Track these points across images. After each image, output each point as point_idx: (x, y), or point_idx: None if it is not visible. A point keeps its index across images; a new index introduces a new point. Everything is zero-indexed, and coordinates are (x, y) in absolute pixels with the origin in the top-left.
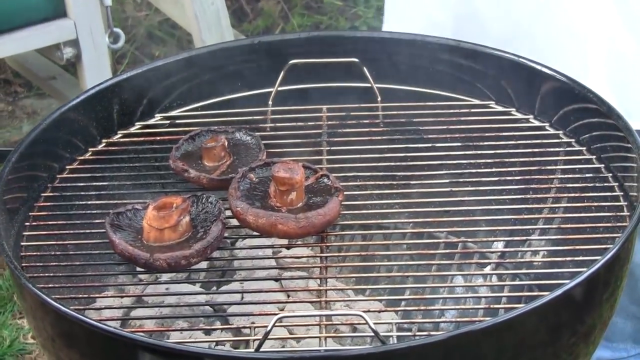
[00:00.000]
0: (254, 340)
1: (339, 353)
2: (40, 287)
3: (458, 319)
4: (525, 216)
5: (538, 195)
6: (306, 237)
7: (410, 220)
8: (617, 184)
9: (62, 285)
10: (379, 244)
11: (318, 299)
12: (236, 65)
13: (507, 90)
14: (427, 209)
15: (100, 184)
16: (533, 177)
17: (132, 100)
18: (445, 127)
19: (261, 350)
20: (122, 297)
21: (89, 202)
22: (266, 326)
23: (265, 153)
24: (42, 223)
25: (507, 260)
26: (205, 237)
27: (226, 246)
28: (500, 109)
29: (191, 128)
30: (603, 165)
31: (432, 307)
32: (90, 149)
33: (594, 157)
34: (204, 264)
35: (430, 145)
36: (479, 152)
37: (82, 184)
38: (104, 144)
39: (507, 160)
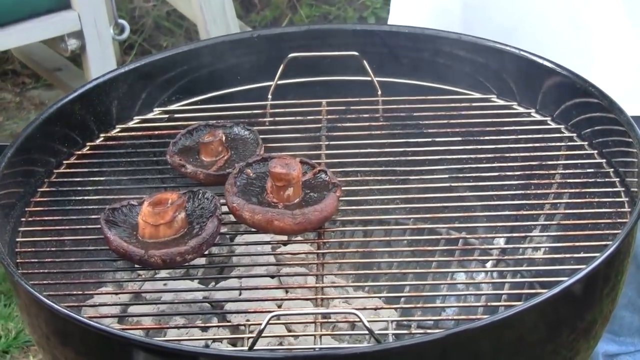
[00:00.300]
0: (249, 338)
1: (333, 352)
2: (35, 283)
3: (457, 317)
4: (526, 212)
5: (539, 191)
6: (303, 233)
7: (411, 216)
8: (618, 179)
9: (58, 281)
10: (378, 240)
11: (315, 297)
12: (236, 59)
13: (508, 84)
14: (427, 205)
15: (98, 179)
16: (534, 172)
17: (131, 94)
18: (446, 121)
19: (255, 348)
20: (119, 293)
21: (86, 198)
22: (261, 323)
23: (263, 148)
24: (38, 218)
25: (508, 257)
26: (200, 234)
27: (224, 242)
28: (501, 102)
29: (190, 122)
30: (605, 161)
31: (431, 305)
32: (88, 144)
33: (596, 152)
34: (201, 260)
35: (430, 139)
36: (480, 146)
37: (79, 179)
38: (102, 139)
39: (508, 155)
